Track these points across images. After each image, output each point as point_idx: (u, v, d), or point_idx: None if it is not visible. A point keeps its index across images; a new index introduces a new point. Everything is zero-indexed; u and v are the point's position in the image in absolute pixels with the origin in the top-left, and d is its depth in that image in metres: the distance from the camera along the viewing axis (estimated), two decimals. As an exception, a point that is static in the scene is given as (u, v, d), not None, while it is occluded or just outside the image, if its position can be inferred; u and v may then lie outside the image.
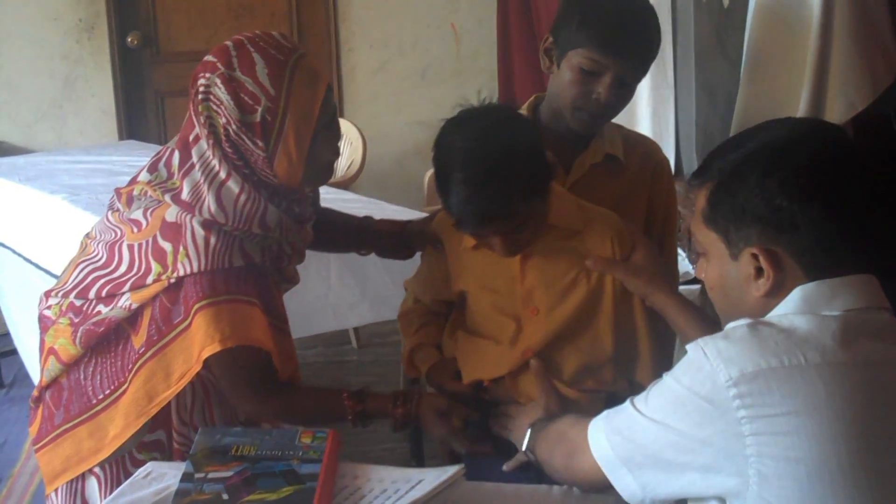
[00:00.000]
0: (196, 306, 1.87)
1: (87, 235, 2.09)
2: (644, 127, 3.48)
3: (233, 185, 1.87)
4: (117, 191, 2.03)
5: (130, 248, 1.94)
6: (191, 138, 1.91)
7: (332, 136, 1.95)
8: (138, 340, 1.95)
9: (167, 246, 1.88)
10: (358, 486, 1.75)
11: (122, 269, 1.95)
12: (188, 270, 1.87)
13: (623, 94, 2.16)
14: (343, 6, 5.97)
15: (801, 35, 2.46)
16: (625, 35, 2.09)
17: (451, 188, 1.85)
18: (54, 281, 2.17)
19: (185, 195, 1.90)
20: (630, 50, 2.10)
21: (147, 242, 1.91)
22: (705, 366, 1.41)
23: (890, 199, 1.51)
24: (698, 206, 1.56)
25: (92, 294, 1.99)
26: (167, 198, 1.91)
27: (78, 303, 2.02)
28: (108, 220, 2.02)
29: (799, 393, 1.36)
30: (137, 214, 1.95)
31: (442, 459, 2.01)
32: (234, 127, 1.83)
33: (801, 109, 2.39)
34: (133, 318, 1.96)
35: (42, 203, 3.79)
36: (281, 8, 5.94)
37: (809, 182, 1.44)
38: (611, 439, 1.54)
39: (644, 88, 3.46)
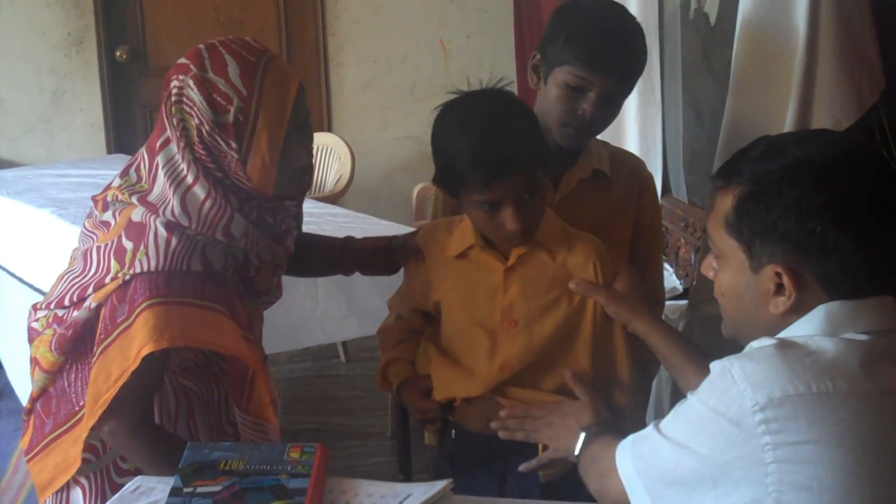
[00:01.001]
0: (143, 304, 1.84)
1: (75, 249, 2.10)
2: (631, 143, 3.50)
3: (199, 190, 1.86)
4: (94, 198, 2.03)
5: (99, 249, 1.94)
6: (159, 143, 1.90)
7: (306, 138, 1.94)
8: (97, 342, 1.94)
9: (129, 245, 1.87)
10: (346, 501, 1.75)
11: (91, 271, 1.95)
12: (143, 269, 1.85)
13: (609, 110, 2.17)
14: (332, 21, 5.99)
15: (787, 53, 2.47)
16: (610, 52, 2.10)
17: (458, 144, 1.88)
18: (39, 295, 2.17)
19: (151, 197, 1.89)
20: (615, 66, 2.11)
21: (112, 242, 1.90)
22: (731, 388, 1.39)
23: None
24: (720, 208, 1.53)
25: (67, 301, 1.99)
26: (134, 199, 1.90)
27: (60, 313, 2.02)
28: (85, 227, 2.02)
29: (826, 422, 1.34)
30: (108, 216, 1.96)
31: (430, 474, 2.02)
32: (207, 128, 1.83)
33: (787, 126, 2.40)
34: (95, 319, 1.94)
35: (30, 217, 3.79)
36: (270, 22, 5.96)
37: (847, 209, 1.42)
38: (636, 465, 1.54)
39: (631, 105, 3.47)
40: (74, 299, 1.98)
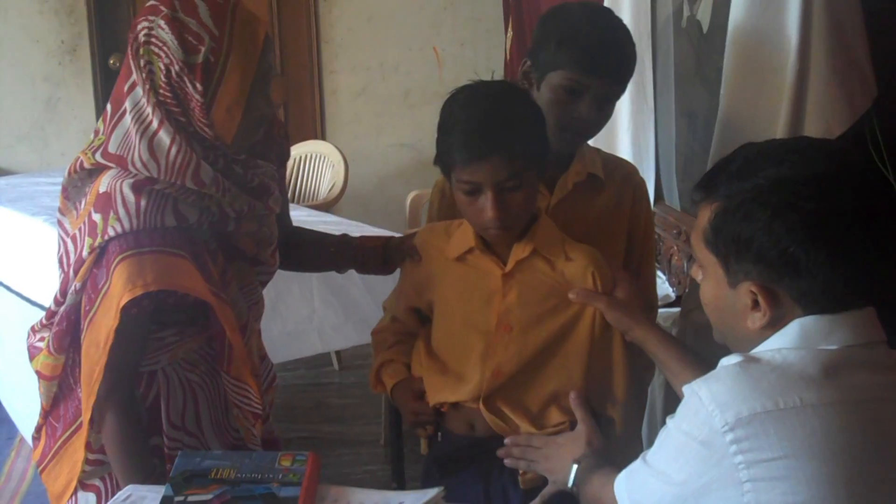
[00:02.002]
0: (115, 260, 1.83)
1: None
2: (624, 150, 3.50)
3: (164, 135, 1.84)
4: (59, 210, 2.03)
5: (74, 238, 1.92)
6: (126, 88, 1.88)
7: (268, 89, 1.93)
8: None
9: (98, 217, 1.85)
10: (338, 509, 1.75)
11: (71, 260, 1.94)
12: (117, 232, 1.83)
13: (604, 111, 2.18)
14: (326, 28, 5.99)
15: (779, 61, 2.47)
16: (603, 54, 2.11)
17: (456, 119, 1.92)
18: (29, 305, 2.16)
19: (112, 146, 1.88)
20: (609, 68, 2.13)
21: (84, 223, 1.88)
22: (701, 410, 1.40)
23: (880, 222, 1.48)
24: (700, 221, 1.55)
25: (54, 304, 1.98)
26: (97, 156, 1.89)
27: (52, 316, 2.01)
28: (59, 236, 2.01)
29: (795, 436, 1.35)
30: (71, 206, 1.96)
31: (422, 482, 2.02)
32: (176, 68, 1.82)
33: (779, 134, 2.40)
34: (80, 300, 1.93)
35: (23, 225, 3.78)
36: (263, 30, 5.95)
37: (819, 229, 1.42)
38: (632, 499, 1.56)
39: (624, 112, 3.48)
40: (60, 298, 1.96)
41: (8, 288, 3.32)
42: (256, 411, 2.02)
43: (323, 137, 5.94)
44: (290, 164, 5.38)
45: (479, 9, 5.96)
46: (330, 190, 5.19)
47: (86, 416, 1.92)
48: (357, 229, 3.56)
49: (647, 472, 1.52)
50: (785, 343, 1.46)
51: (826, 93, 2.42)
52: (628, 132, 3.49)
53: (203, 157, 1.88)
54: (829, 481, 1.34)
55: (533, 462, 1.94)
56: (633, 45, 2.20)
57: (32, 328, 2.09)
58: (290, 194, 5.29)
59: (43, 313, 2.07)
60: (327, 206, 4.95)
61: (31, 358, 2.08)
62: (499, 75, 5.40)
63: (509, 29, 5.16)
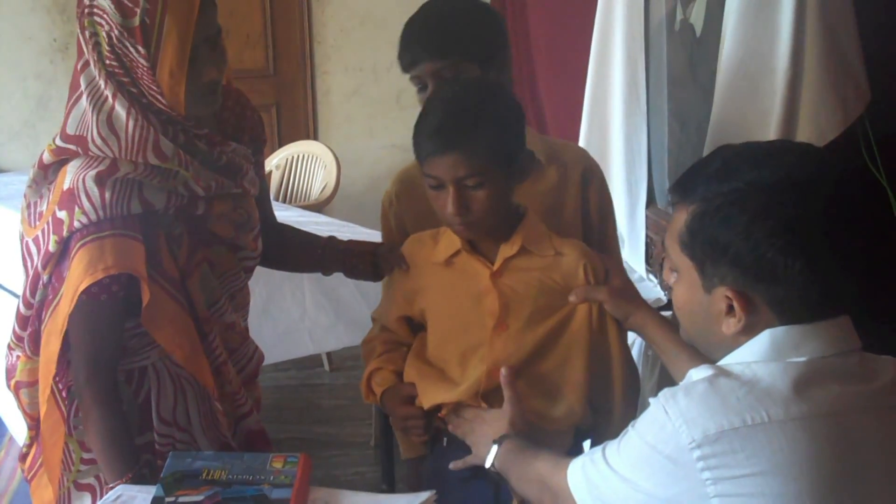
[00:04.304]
0: (77, 245, 1.82)
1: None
2: (616, 153, 3.50)
3: (120, 109, 1.83)
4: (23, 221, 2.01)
5: (36, 239, 1.90)
6: (79, 67, 1.88)
7: (217, 56, 1.92)
8: None
9: (63, 214, 1.84)
10: (329, 511, 1.75)
11: (33, 262, 1.92)
12: (83, 223, 1.82)
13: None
14: (318, 29, 5.99)
15: (772, 64, 2.48)
16: (418, 37, 2.17)
17: (424, 113, 1.95)
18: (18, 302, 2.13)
19: (70, 127, 1.87)
20: (427, 47, 2.15)
21: (48, 223, 1.87)
22: (667, 425, 1.39)
23: (864, 228, 1.47)
24: (675, 224, 1.52)
25: (24, 308, 1.96)
26: (57, 140, 1.88)
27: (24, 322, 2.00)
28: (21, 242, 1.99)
29: (763, 452, 1.34)
30: (30, 203, 1.95)
31: (409, 486, 2.01)
32: (116, 33, 1.81)
33: (771, 137, 2.41)
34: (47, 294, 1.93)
35: (13, 223, 3.76)
36: (256, 30, 5.95)
37: (796, 235, 1.40)
38: (591, 491, 1.54)
39: (616, 115, 3.48)
40: (29, 298, 1.94)
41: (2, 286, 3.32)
42: (218, 407, 2.00)
43: (315, 138, 5.94)
44: (281, 164, 5.42)
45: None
46: (322, 191, 5.18)
47: (42, 409, 1.92)
48: (349, 230, 3.57)
49: (607, 470, 1.49)
50: (755, 354, 1.44)
51: (819, 97, 2.43)
52: (621, 135, 3.49)
53: (162, 132, 1.86)
54: (798, 497, 1.33)
55: (464, 434, 1.95)
56: (462, 17, 2.21)
57: (8, 346, 2.06)
58: (282, 194, 5.30)
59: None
60: (319, 207, 4.95)
61: (9, 379, 2.05)
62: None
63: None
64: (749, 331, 1.46)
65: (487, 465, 1.83)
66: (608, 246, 2.33)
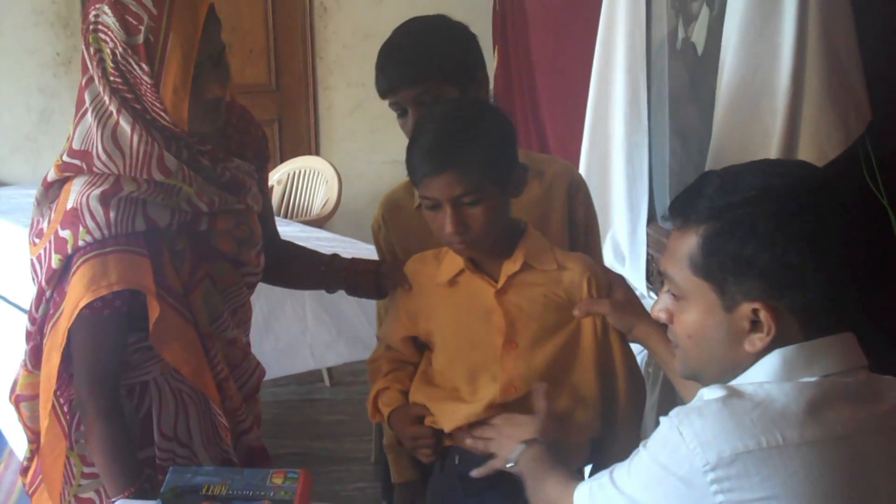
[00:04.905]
0: (79, 261, 1.83)
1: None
2: (618, 170, 3.51)
3: (124, 125, 1.84)
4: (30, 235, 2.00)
5: (39, 257, 1.90)
6: (84, 83, 1.89)
7: (221, 74, 1.92)
8: None
9: (66, 234, 1.84)
10: (329, 527, 1.74)
11: (38, 278, 1.92)
12: (87, 242, 1.83)
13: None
14: (321, 45, 6.00)
15: (773, 83, 2.49)
16: (389, 65, 2.18)
17: (415, 136, 1.94)
18: (24, 314, 2.14)
19: (76, 143, 1.87)
20: (399, 77, 2.17)
21: (51, 241, 1.87)
22: (681, 447, 1.37)
23: (868, 241, 1.46)
24: (680, 248, 1.48)
25: (31, 325, 1.97)
26: (64, 157, 1.89)
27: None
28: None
29: (777, 476, 1.33)
30: (37, 224, 1.94)
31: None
32: (120, 50, 1.82)
33: (773, 156, 2.41)
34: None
35: (16, 237, 3.77)
36: (259, 45, 5.97)
37: (819, 239, 1.38)
38: None
39: (618, 133, 3.49)
40: (35, 314, 1.94)
41: (2, 298, 3.32)
42: (222, 423, 2.00)
43: (317, 153, 5.95)
44: (283, 179, 5.42)
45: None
46: (323, 206, 5.19)
47: (43, 423, 1.92)
48: (350, 246, 3.56)
49: (618, 497, 1.47)
50: (767, 375, 1.43)
51: (820, 116, 2.43)
52: (622, 152, 3.50)
53: (166, 147, 1.87)
54: None
55: (487, 440, 1.91)
56: (436, 39, 2.22)
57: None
58: (283, 210, 5.30)
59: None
60: (320, 223, 4.96)
61: (11, 392, 2.06)
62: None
63: (495, 54, 5.17)
64: (773, 345, 1.43)
65: (510, 463, 1.81)
66: (593, 258, 2.33)
